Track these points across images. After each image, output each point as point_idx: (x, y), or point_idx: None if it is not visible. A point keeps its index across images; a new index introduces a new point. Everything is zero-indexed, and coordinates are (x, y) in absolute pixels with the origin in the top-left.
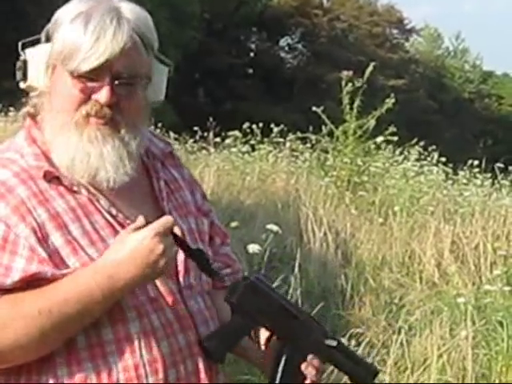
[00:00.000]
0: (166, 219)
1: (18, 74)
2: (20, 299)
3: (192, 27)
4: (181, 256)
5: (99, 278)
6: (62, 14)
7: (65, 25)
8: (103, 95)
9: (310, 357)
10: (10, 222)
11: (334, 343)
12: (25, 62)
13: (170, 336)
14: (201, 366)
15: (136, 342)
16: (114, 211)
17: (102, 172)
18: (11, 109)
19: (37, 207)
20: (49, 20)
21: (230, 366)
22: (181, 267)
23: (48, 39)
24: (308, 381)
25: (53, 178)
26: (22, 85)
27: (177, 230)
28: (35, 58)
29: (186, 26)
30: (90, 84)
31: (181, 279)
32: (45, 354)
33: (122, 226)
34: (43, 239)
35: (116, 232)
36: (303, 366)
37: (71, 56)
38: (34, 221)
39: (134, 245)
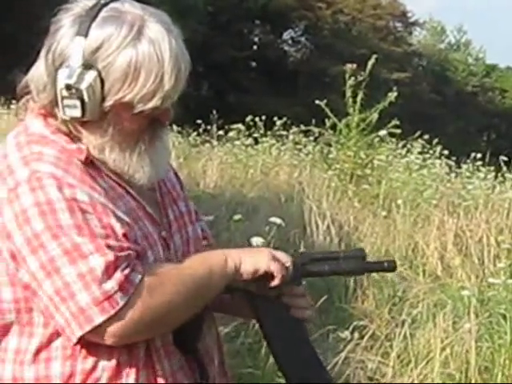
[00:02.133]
0: (287, 259)
1: (75, 111)
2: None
3: (195, 20)
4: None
5: (229, 260)
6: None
7: (144, 60)
8: (168, 118)
9: (286, 289)
10: (86, 190)
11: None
12: (82, 99)
13: None
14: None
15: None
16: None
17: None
18: (14, 101)
19: (93, 180)
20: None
21: (233, 359)
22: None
23: (90, 67)
24: (293, 310)
25: (90, 161)
26: (75, 116)
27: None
28: (94, 95)
29: (189, 19)
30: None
31: None
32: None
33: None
34: (115, 205)
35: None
36: (285, 299)
37: (150, 97)
38: (101, 189)
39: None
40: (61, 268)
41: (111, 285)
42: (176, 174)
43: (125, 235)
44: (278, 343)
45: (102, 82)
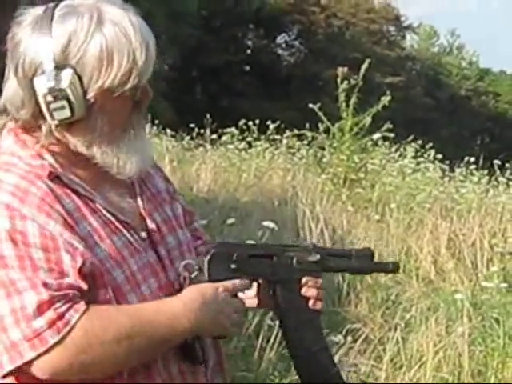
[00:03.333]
0: (237, 282)
1: (64, 113)
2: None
3: (189, 24)
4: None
5: (187, 312)
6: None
7: (115, 44)
8: (149, 97)
9: (303, 280)
10: (40, 221)
11: (317, 257)
12: (68, 98)
13: None
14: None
15: None
16: (111, 210)
17: (134, 160)
18: None
19: (54, 204)
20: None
21: (228, 361)
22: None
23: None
24: (311, 302)
25: (55, 177)
26: (65, 117)
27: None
28: (77, 91)
29: (183, 23)
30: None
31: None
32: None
33: (120, 223)
34: (73, 232)
35: (116, 229)
36: (303, 291)
37: (128, 77)
38: (59, 216)
39: (199, 298)
40: None
41: (41, 323)
42: (166, 178)
43: (75, 268)
44: (292, 333)
45: (79, 76)
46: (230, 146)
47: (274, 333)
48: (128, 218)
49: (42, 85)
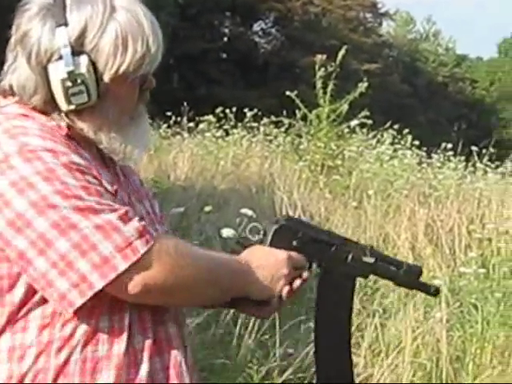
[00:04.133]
0: (302, 257)
1: (82, 97)
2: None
3: (166, 13)
4: None
5: (245, 266)
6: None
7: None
8: (152, 86)
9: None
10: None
11: (372, 260)
12: (85, 83)
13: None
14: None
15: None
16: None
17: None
18: None
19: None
20: None
21: (206, 350)
22: None
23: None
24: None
25: (71, 138)
26: (83, 101)
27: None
28: (92, 76)
29: (160, 11)
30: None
31: None
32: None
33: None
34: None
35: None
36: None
37: (141, 63)
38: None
39: (268, 256)
40: (77, 223)
41: (131, 231)
42: (141, 181)
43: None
44: (322, 326)
45: (94, 62)
46: (207, 134)
47: (252, 320)
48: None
49: (60, 70)
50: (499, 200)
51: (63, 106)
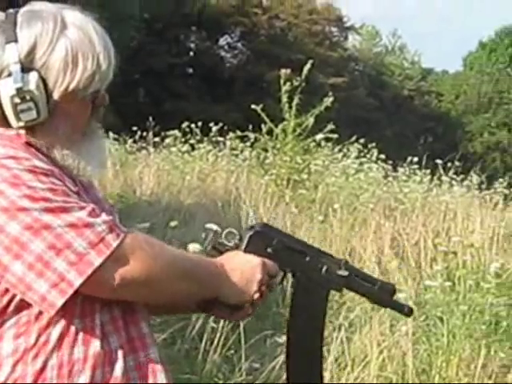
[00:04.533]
0: (275, 265)
1: (30, 114)
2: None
3: (132, 27)
4: None
5: (221, 268)
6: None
7: (80, 48)
8: (106, 102)
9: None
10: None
11: (346, 273)
12: (34, 100)
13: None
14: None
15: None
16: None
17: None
18: None
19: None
20: None
21: (172, 365)
22: None
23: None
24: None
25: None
26: (32, 118)
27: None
28: (42, 93)
29: (125, 26)
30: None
31: None
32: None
33: None
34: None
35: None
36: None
37: (91, 81)
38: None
39: (243, 261)
40: (50, 223)
41: (102, 227)
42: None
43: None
44: (295, 333)
45: (44, 79)
46: (173, 149)
47: (218, 335)
48: None
49: (9, 87)
50: (465, 213)
51: (13, 122)
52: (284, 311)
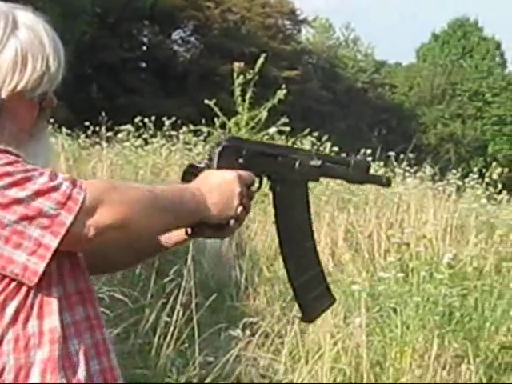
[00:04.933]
0: (250, 173)
1: None
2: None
3: (83, 22)
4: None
5: (197, 191)
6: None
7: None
8: (53, 104)
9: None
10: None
11: (319, 162)
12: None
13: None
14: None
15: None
16: None
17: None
18: None
19: None
20: None
21: (125, 360)
22: None
23: None
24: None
25: None
26: None
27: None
28: None
29: (77, 21)
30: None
31: None
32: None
33: None
34: None
35: None
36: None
37: (40, 82)
38: None
39: (218, 179)
40: (16, 196)
41: (65, 184)
42: None
43: None
44: (285, 231)
45: None
46: (126, 144)
47: (171, 329)
48: None
49: None
50: (418, 204)
51: None
52: (238, 304)
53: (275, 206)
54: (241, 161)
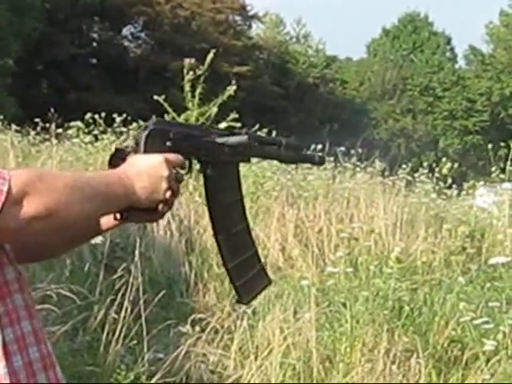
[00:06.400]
0: (178, 156)
1: None
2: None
3: (33, 18)
4: None
5: (124, 176)
6: None
7: None
8: None
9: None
10: None
11: (249, 141)
12: None
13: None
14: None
15: None
16: None
17: None
18: None
19: None
20: None
21: (74, 357)
22: None
23: None
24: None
25: None
26: None
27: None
28: None
29: (26, 16)
30: None
31: None
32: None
33: None
34: None
35: None
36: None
37: None
38: None
39: (145, 162)
40: None
41: None
42: None
43: None
44: (218, 214)
45: None
46: (76, 140)
47: (120, 326)
48: None
49: None
50: (368, 199)
51: None
52: (188, 300)
53: (206, 189)
54: (168, 144)
